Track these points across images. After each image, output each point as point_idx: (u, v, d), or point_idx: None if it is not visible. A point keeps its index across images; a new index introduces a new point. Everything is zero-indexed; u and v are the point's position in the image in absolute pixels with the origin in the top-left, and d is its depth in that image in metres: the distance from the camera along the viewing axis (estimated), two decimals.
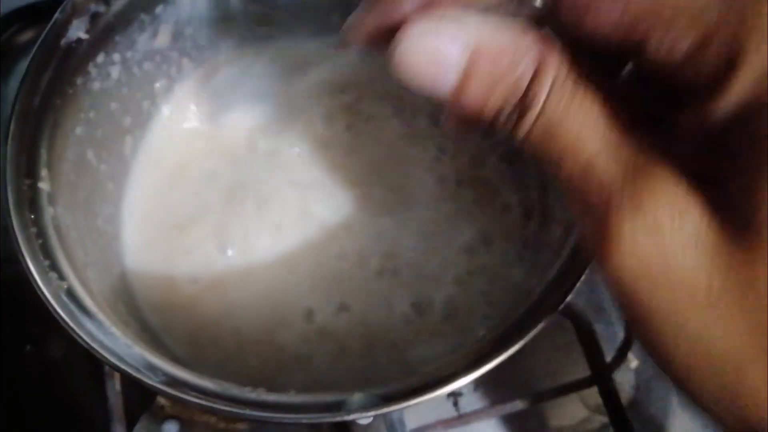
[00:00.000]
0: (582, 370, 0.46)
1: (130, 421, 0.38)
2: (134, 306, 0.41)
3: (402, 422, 0.42)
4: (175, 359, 0.37)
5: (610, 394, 0.45)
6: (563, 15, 0.22)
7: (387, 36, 0.23)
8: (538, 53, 0.21)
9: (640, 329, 0.21)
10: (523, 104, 0.21)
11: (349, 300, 0.41)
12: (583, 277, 0.31)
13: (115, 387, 0.43)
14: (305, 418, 0.28)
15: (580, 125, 0.20)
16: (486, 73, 0.21)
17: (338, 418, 0.28)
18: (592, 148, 0.20)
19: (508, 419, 0.51)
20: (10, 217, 0.31)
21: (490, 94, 0.21)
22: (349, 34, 0.25)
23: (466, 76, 0.21)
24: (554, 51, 0.21)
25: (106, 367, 0.44)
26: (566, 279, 0.31)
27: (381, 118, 0.48)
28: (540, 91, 0.20)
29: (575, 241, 0.32)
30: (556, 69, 0.20)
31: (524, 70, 0.20)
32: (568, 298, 0.30)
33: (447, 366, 0.29)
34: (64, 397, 0.47)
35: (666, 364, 0.21)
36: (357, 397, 0.28)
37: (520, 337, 0.29)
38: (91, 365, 0.46)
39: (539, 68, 0.20)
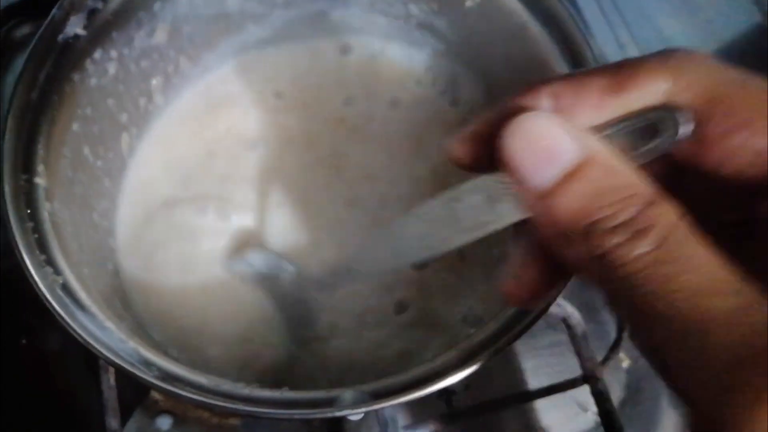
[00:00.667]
0: (573, 370, 0.46)
1: (125, 415, 0.39)
2: (127, 301, 0.41)
3: (394, 420, 0.42)
4: (166, 355, 0.37)
5: (600, 394, 0.45)
6: (704, 144, 0.21)
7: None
8: (655, 187, 0.20)
9: None
10: (632, 227, 0.19)
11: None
12: (572, 276, 0.31)
13: (109, 381, 0.43)
14: (297, 414, 0.28)
15: (698, 264, 0.19)
16: (595, 179, 0.20)
17: (329, 414, 0.28)
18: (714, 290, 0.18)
19: (500, 417, 0.52)
20: (6, 211, 0.32)
21: (593, 202, 0.20)
22: (455, 145, 0.24)
23: (571, 173, 0.20)
24: (667, 194, 0.20)
25: (101, 361, 0.44)
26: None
27: (381, 122, 0.48)
28: (660, 219, 0.19)
29: None
30: (673, 204, 0.20)
31: (641, 192, 0.20)
32: (558, 296, 0.31)
33: (437, 363, 0.30)
34: (59, 389, 0.48)
35: None
36: (348, 394, 0.29)
37: (511, 335, 0.29)
38: (87, 358, 0.46)
39: (656, 198, 0.20)
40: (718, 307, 0.18)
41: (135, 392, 0.39)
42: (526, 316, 0.30)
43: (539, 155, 0.20)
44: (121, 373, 0.42)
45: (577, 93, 0.22)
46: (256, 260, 0.39)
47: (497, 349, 0.29)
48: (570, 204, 0.20)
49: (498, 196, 0.22)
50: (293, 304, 0.39)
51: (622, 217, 0.19)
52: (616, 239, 0.19)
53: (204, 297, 0.42)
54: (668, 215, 0.20)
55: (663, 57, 0.22)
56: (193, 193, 0.46)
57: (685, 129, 0.21)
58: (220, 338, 0.40)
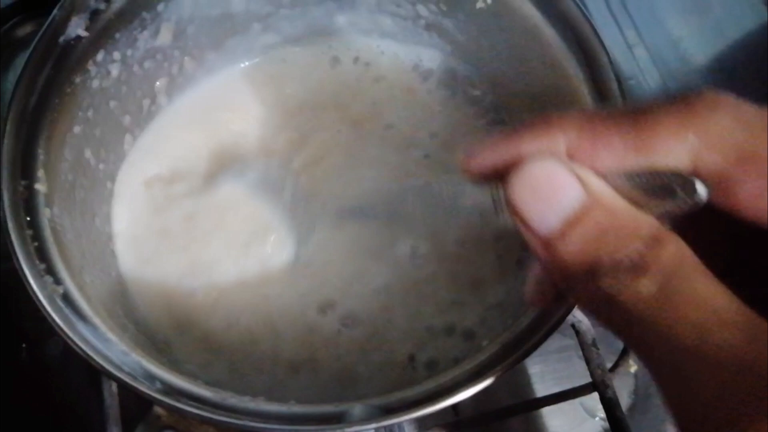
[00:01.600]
0: (582, 376, 0.46)
1: (127, 425, 0.38)
2: (132, 310, 0.40)
3: (401, 426, 0.42)
4: (175, 362, 0.37)
5: (610, 401, 0.44)
6: (737, 201, 0.21)
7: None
8: (658, 225, 0.20)
9: None
10: (635, 265, 0.19)
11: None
12: None
13: (111, 389, 0.42)
14: (305, 430, 0.27)
15: (705, 297, 0.19)
16: (598, 221, 0.20)
17: (338, 430, 0.27)
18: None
19: (508, 424, 0.51)
20: (5, 219, 0.31)
21: (596, 244, 0.20)
22: (468, 161, 0.24)
23: (575, 219, 0.20)
24: (672, 233, 0.20)
25: None
26: None
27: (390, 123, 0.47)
28: (663, 256, 0.19)
29: None
30: (677, 240, 0.20)
31: (644, 231, 0.20)
32: (573, 309, 0.30)
33: (448, 378, 0.29)
34: (61, 398, 0.47)
35: None
36: (358, 409, 0.28)
37: (523, 350, 0.29)
38: (88, 366, 0.45)
39: (660, 235, 0.20)
40: (724, 340, 0.18)
41: (138, 402, 0.38)
42: (539, 330, 0.29)
43: (544, 204, 0.21)
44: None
45: (596, 142, 0.21)
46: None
47: (509, 365, 0.28)
48: (574, 248, 0.20)
49: (503, 206, 0.23)
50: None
51: (624, 257, 0.19)
52: (619, 279, 0.19)
53: (209, 298, 0.41)
54: (672, 252, 0.19)
55: (687, 108, 0.21)
56: (195, 193, 0.45)
57: (700, 198, 0.20)
58: (231, 343, 0.40)
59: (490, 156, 0.24)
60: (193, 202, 0.45)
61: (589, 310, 0.21)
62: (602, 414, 0.45)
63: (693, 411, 0.19)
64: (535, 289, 0.25)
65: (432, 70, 0.48)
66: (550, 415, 0.52)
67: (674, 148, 0.21)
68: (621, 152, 0.21)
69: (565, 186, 0.21)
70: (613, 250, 0.20)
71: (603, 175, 0.21)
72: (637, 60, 0.65)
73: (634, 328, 0.20)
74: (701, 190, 0.20)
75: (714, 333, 0.18)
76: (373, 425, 0.27)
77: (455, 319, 0.39)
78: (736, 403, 0.18)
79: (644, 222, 0.20)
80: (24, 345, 0.49)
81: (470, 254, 0.41)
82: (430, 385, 0.29)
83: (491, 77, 0.46)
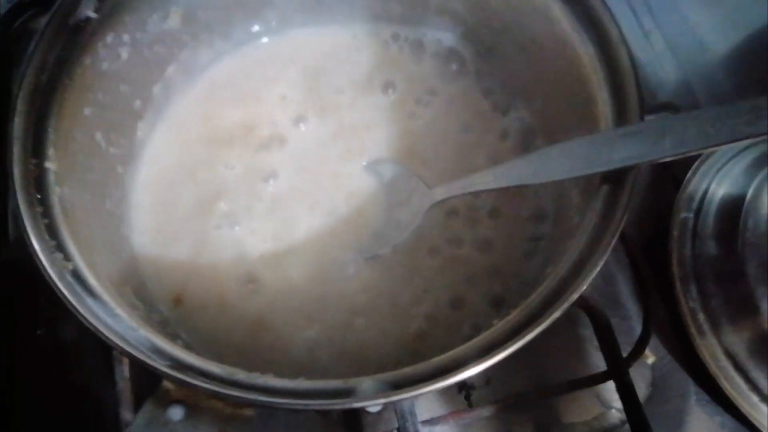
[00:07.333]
0: (597, 365, 0.45)
1: (138, 406, 0.38)
2: (144, 290, 0.40)
3: (413, 414, 0.41)
4: (187, 346, 0.37)
5: (626, 389, 0.43)
6: None
7: None
8: None
9: None
10: None
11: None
12: (599, 268, 0.29)
13: (123, 372, 0.43)
14: (314, 405, 0.27)
15: None
16: None
17: (347, 405, 0.27)
18: None
19: (521, 414, 0.50)
20: (16, 195, 0.31)
21: None
22: None
23: None
24: None
25: (115, 352, 0.43)
26: (582, 269, 0.30)
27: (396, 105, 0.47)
28: None
29: (592, 230, 0.31)
30: None
31: None
32: (583, 289, 0.29)
33: (459, 354, 0.28)
34: (75, 380, 0.47)
35: None
36: (366, 384, 0.28)
37: (532, 328, 0.28)
38: (102, 349, 0.46)
39: None
40: None
41: (149, 384, 0.38)
42: (550, 307, 0.29)
43: None
44: (135, 364, 0.42)
45: None
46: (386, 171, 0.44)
47: (518, 342, 0.28)
48: None
49: None
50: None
51: None
52: None
53: (220, 278, 0.42)
54: None
55: None
56: (208, 176, 0.45)
57: None
58: (238, 319, 0.40)
59: None
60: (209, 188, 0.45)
61: None
62: (618, 405, 0.44)
63: None
64: None
65: (443, 50, 0.48)
66: (565, 406, 0.51)
67: None
68: None
69: None
70: None
71: None
72: (653, 46, 0.64)
73: None
74: None
75: None
76: (382, 400, 0.27)
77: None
78: None
79: None
80: (40, 330, 0.50)
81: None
82: (440, 360, 0.28)
83: (503, 57, 0.45)
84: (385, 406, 0.47)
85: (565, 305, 0.29)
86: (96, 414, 0.46)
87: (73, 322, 0.29)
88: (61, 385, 0.46)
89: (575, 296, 0.29)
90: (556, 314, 0.28)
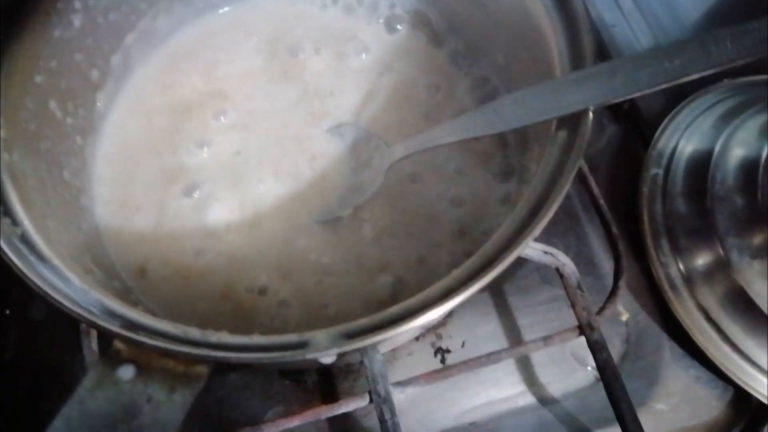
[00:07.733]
0: (572, 324, 0.45)
1: None
2: (107, 260, 0.40)
3: (384, 375, 0.41)
4: (151, 312, 0.36)
5: (597, 345, 0.43)
6: None
7: None
8: None
9: None
10: None
11: None
12: (553, 211, 0.29)
13: (91, 345, 0.42)
14: (266, 358, 0.27)
15: None
16: None
17: (300, 357, 0.27)
18: None
19: (497, 375, 0.50)
20: None
21: None
22: None
23: None
24: None
25: (82, 326, 0.43)
26: (537, 213, 0.30)
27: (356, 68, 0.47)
28: None
29: (548, 176, 0.31)
30: None
31: None
32: (537, 233, 0.29)
33: (412, 304, 0.28)
34: (44, 359, 0.47)
35: None
36: (321, 336, 0.27)
37: (487, 272, 0.28)
38: (70, 327, 0.45)
39: None
40: None
41: None
42: (504, 251, 0.29)
43: None
44: (103, 337, 0.42)
45: None
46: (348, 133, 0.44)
47: (472, 286, 0.28)
48: None
49: None
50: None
51: None
52: None
53: (184, 249, 0.41)
54: None
55: None
56: (171, 146, 0.45)
57: None
58: (203, 289, 0.39)
59: None
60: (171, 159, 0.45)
61: None
62: (593, 363, 0.45)
63: None
64: None
65: (400, 13, 0.47)
66: (540, 365, 0.51)
67: None
68: None
69: None
70: None
71: None
72: (622, 8, 0.64)
73: None
74: None
75: None
76: (335, 350, 0.27)
77: None
78: None
79: None
80: (8, 311, 0.49)
81: None
82: (393, 311, 0.28)
83: (461, 20, 0.45)
84: (355, 368, 0.47)
85: (520, 248, 0.28)
86: (66, 391, 0.46)
87: (42, 301, 0.29)
88: (31, 364, 0.46)
89: (530, 239, 0.28)
90: (510, 258, 0.28)
